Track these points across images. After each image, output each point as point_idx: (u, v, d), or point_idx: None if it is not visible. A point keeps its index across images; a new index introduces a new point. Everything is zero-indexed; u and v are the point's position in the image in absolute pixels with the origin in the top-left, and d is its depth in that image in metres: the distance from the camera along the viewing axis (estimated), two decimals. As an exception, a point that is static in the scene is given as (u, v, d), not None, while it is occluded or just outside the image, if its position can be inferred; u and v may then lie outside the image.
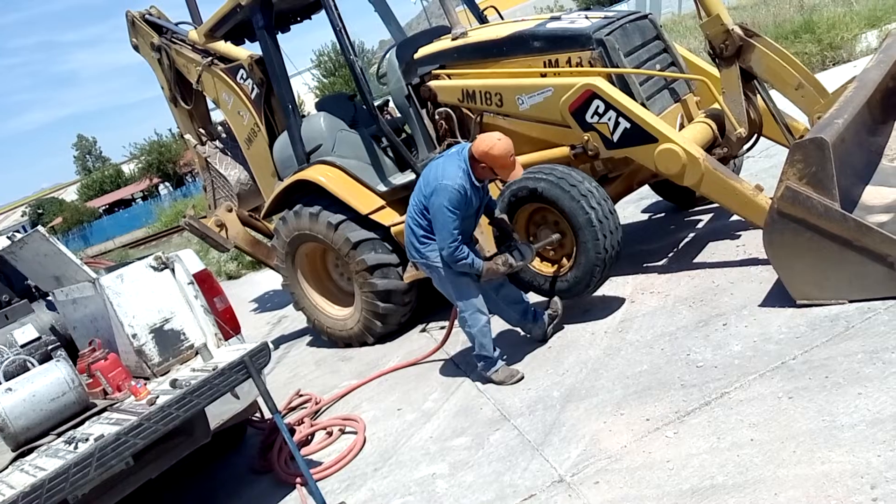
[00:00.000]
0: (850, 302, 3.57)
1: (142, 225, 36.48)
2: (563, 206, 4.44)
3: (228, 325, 4.21)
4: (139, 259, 4.31)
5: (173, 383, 3.53)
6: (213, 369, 3.50)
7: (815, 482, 2.50)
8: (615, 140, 4.61)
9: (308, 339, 7.10)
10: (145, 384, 3.76)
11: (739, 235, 5.13)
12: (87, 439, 3.21)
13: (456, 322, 4.63)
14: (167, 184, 48.66)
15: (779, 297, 3.88)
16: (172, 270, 4.20)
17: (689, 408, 3.27)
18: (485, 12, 6.50)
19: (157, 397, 3.45)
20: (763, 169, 6.49)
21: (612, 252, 4.47)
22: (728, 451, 2.85)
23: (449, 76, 5.44)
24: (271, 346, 3.78)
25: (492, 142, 4.00)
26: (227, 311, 4.30)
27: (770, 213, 3.70)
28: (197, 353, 4.03)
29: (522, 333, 4.79)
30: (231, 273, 12.66)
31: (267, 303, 9.79)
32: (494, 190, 4.89)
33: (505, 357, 4.45)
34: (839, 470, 2.50)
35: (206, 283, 4.22)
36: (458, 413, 4.19)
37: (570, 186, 4.43)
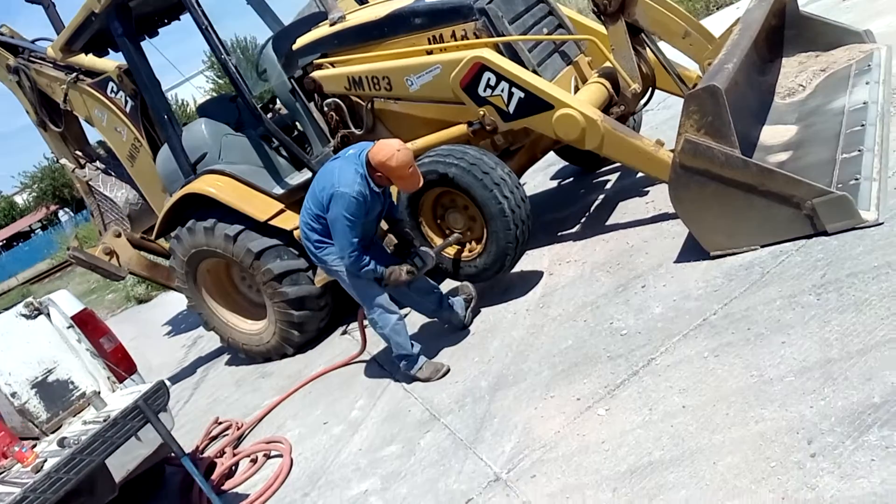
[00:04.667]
0: (763, 247, 3.52)
1: (44, 257, 34.49)
2: (475, 194, 4.26)
3: (121, 365, 3.84)
4: (6, 309, 3.87)
5: (61, 442, 3.16)
6: (105, 420, 3.14)
7: (751, 444, 2.40)
8: (511, 111, 4.44)
9: (226, 357, 6.71)
10: (32, 447, 3.37)
11: (647, 192, 5.07)
12: (-36, 524, 2.82)
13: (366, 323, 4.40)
14: (66, 209, 46.04)
15: (693, 250, 3.81)
16: (48, 315, 3.78)
17: (617, 380, 3.14)
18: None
19: (45, 461, 3.08)
20: (663, 121, 6.49)
21: (522, 240, 4.35)
22: (661, 423, 2.73)
23: (332, 64, 5.13)
24: (168, 384, 3.44)
25: (390, 152, 3.75)
26: (117, 350, 3.93)
27: (673, 167, 3.61)
28: (89, 403, 3.64)
29: (442, 323, 4.59)
30: (140, 297, 12.01)
31: (181, 324, 9.27)
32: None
33: (427, 352, 4.24)
34: (774, 428, 2.41)
35: (88, 323, 3.83)
36: (387, 419, 3.97)
37: (482, 174, 4.24)
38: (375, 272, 3.95)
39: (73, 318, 3.81)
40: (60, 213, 46.83)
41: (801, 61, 5.25)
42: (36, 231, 49.32)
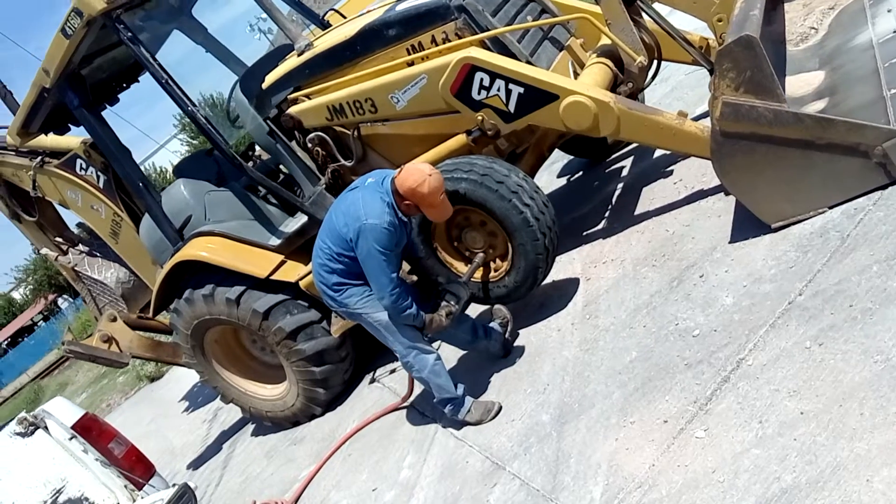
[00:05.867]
0: (831, 208, 3.10)
1: (51, 348, 34.05)
2: (493, 207, 3.84)
3: (137, 469, 3.40)
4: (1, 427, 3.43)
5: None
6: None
7: (907, 449, 1.96)
8: (512, 111, 4.02)
9: (251, 427, 6.25)
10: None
11: (672, 171, 4.65)
12: None
13: (396, 371, 3.96)
14: (65, 296, 45.61)
15: (748, 226, 3.38)
16: (45, 428, 3.33)
17: (706, 392, 2.70)
18: (327, 17, 5.83)
19: None
20: (664, 94, 6.09)
21: (552, 249, 3.94)
22: (781, 438, 2.29)
23: (308, 97, 4.71)
24: (193, 486, 2.99)
25: (421, 177, 3.34)
26: (130, 453, 3.49)
27: (713, 138, 3.19)
28: (107, 521, 3.19)
29: (479, 354, 4.15)
30: (151, 374, 11.54)
31: (198, 397, 8.81)
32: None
33: (472, 391, 3.80)
34: (930, 423, 1.97)
35: (92, 429, 3.40)
36: (443, 475, 3.51)
37: (496, 184, 3.82)
38: (416, 317, 3.55)
39: (73, 427, 3.38)
40: (60, 300, 46.38)
41: (805, 3, 4.88)
42: (38, 323, 48.85)
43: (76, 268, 6.94)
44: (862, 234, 2.82)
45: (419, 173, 3.35)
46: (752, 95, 3.00)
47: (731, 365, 2.72)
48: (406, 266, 4.03)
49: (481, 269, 4.20)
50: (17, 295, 50.68)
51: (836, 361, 2.38)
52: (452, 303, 3.68)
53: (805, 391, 2.37)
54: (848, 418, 2.17)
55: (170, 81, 4.56)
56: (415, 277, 4.06)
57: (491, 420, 3.60)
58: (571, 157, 6.22)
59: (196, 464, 6.47)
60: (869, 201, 2.96)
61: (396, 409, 4.48)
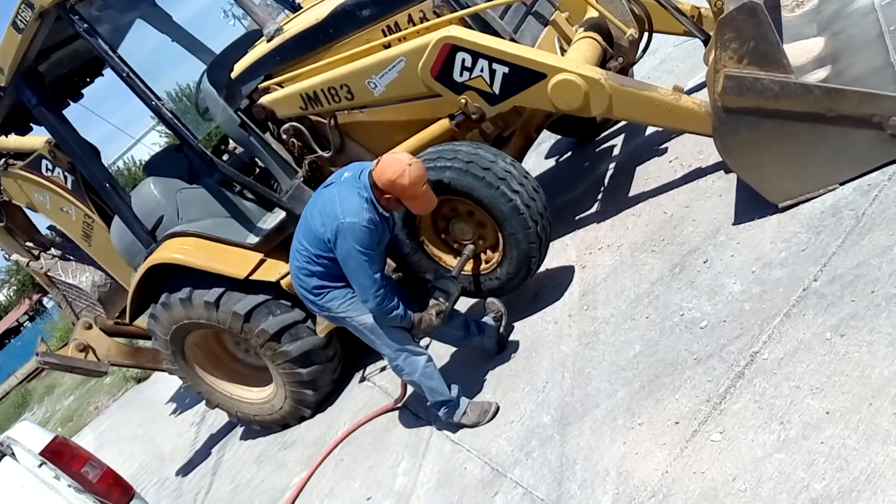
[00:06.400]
0: (842, 184, 2.90)
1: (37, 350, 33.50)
2: (480, 195, 3.62)
3: (114, 494, 3.19)
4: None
5: None
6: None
7: (951, 453, 1.78)
8: (497, 92, 3.79)
9: (240, 430, 6.03)
10: None
11: (666, 149, 4.44)
12: None
13: (386, 370, 3.76)
14: (49, 295, 45.06)
15: (753, 206, 3.18)
16: (13, 455, 3.10)
17: (719, 389, 2.51)
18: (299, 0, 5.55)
19: None
20: (652, 68, 5.86)
21: (545, 237, 3.73)
22: (805, 441, 2.10)
23: (280, 85, 4.44)
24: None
25: (400, 168, 3.09)
26: (105, 476, 3.26)
27: (715, 114, 2.98)
28: (84, 552, 2.98)
29: (472, 351, 3.95)
30: (138, 376, 11.27)
31: (185, 398, 8.56)
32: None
33: (466, 391, 3.60)
34: (976, 425, 1.79)
35: (63, 454, 3.17)
36: (441, 483, 3.31)
37: (482, 171, 3.60)
38: (404, 318, 3.33)
39: (42, 452, 3.14)
40: (45, 300, 45.75)
41: (798, -34, 4.65)
42: (25, 324, 48.21)
43: (49, 273, 6.68)
44: (878, 213, 2.63)
45: (398, 164, 3.12)
46: (757, 67, 2.79)
47: (744, 359, 2.53)
48: (391, 263, 3.81)
49: (472, 261, 3.99)
50: (1, 297, 50.01)
51: (862, 354, 2.19)
52: (442, 300, 3.48)
53: (829, 388, 2.18)
54: (880, 418, 1.98)
55: (131, 75, 4.28)
56: (401, 274, 3.84)
57: (488, 422, 3.41)
58: (559, 136, 5.99)
59: (185, 470, 6.26)
60: (883, 176, 2.76)
61: (389, 410, 4.28)
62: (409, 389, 4.04)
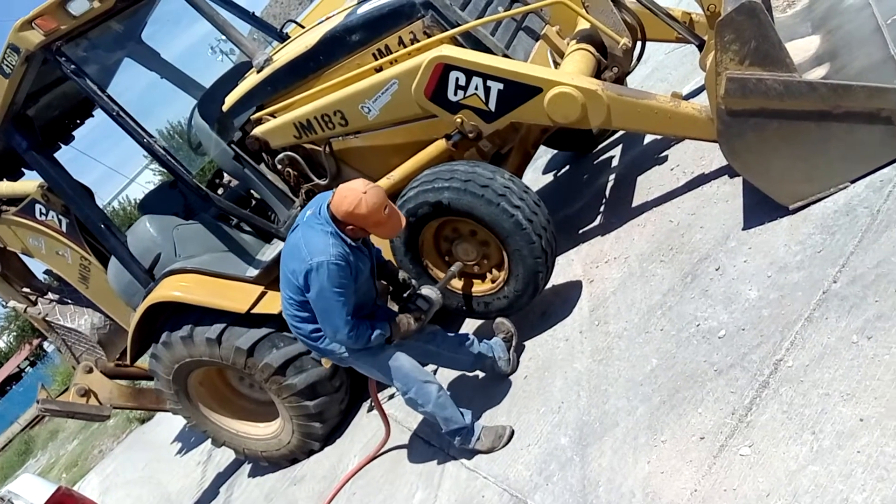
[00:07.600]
0: (854, 182, 2.83)
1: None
2: (481, 213, 3.56)
3: (120, 544, 3.04)
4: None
5: None
6: None
7: None
8: (493, 109, 3.74)
9: (247, 467, 5.90)
10: None
11: (666, 156, 4.38)
12: None
13: (394, 397, 3.67)
14: (49, 339, 44.79)
15: (762, 209, 3.11)
16: (15, 510, 2.98)
17: (744, 401, 2.42)
18: (286, 30, 5.53)
19: None
20: (645, 76, 5.83)
21: (550, 251, 3.66)
22: (841, 451, 2.01)
23: (273, 115, 4.40)
24: None
25: (355, 198, 3.02)
26: (111, 526, 3.12)
27: (719, 117, 2.92)
28: None
29: (483, 374, 3.85)
30: (141, 416, 11.10)
31: (190, 437, 8.42)
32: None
33: (479, 415, 3.50)
34: None
35: (66, 505, 3.03)
36: (458, 513, 3.21)
37: (481, 188, 3.54)
38: (383, 333, 3.26)
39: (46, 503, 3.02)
40: (45, 344, 45.48)
41: (786, -33, 4.65)
42: (26, 370, 47.89)
43: (47, 318, 6.62)
44: (895, 209, 2.56)
45: (353, 194, 3.03)
46: (759, 67, 2.74)
47: (768, 368, 2.44)
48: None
49: (481, 281, 3.92)
50: (0, 343, 49.74)
51: (892, 356, 2.11)
52: (423, 306, 3.45)
53: (861, 394, 2.09)
54: (919, 423, 1.90)
55: (121, 114, 4.22)
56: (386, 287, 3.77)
57: (504, 446, 3.31)
58: (555, 151, 5.94)
59: (194, 512, 6.13)
60: (895, 171, 2.69)
61: (383, 446, 4.20)
62: (394, 424, 3.96)
